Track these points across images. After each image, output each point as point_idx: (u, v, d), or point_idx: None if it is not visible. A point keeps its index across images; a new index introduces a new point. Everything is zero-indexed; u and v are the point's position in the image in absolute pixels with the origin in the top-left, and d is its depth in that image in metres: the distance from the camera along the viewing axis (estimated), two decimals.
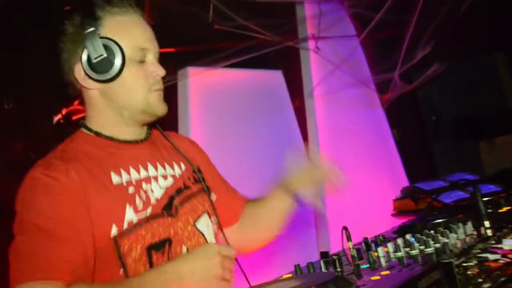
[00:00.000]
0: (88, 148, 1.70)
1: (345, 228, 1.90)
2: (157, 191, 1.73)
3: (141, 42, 1.72)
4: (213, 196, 1.97)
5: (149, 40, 1.75)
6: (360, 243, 2.03)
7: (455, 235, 1.66)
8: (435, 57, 4.27)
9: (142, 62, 1.72)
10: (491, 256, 1.48)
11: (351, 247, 1.85)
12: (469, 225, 1.73)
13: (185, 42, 3.44)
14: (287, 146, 4.17)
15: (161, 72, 1.75)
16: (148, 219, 1.66)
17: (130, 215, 1.63)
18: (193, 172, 1.90)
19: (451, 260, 1.42)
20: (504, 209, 2.05)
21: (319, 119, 4.17)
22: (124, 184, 1.67)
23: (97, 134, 1.73)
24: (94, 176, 1.63)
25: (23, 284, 1.46)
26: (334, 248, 3.50)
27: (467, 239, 1.60)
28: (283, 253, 3.48)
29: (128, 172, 1.70)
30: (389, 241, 1.85)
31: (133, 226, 1.62)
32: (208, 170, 2.03)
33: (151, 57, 1.75)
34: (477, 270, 1.44)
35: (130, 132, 1.77)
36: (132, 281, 1.55)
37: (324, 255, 1.91)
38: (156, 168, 1.78)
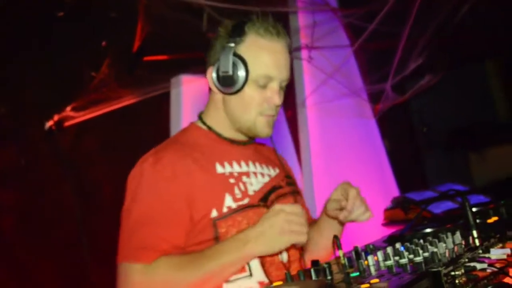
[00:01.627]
0: (198, 140, 1.90)
1: (335, 236, 1.91)
2: (255, 184, 1.89)
3: (269, 71, 1.82)
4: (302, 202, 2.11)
5: (278, 69, 1.84)
6: (350, 252, 2.03)
7: (444, 245, 1.67)
8: (428, 68, 4.30)
9: (264, 87, 1.83)
10: (479, 265, 1.49)
11: (341, 255, 1.86)
12: (458, 234, 1.74)
13: (178, 49, 3.46)
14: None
15: (278, 101, 1.85)
16: (245, 207, 1.81)
17: (229, 202, 1.79)
18: (285, 177, 2.04)
19: (440, 269, 1.43)
20: (492, 219, 2.06)
21: (312, 128, 4.19)
22: (227, 174, 1.85)
23: (210, 128, 1.92)
24: (200, 165, 1.81)
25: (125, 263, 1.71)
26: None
27: (456, 248, 1.61)
28: None
29: (231, 165, 1.88)
30: (379, 250, 1.86)
31: (231, 212, 1.78)
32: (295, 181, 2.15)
33: (275, 84, 1.84)
34: (464, 279, 1.45)
35: (237, 135, 1.94)
36: (205, 252, 1.72)
37: (314, 263, 1.91)
38: (255, 166, 1.95)
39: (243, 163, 1.91)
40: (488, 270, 1.49)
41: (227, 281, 1.77)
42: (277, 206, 1.74)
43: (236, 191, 1.83)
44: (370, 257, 1.70)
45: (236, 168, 1.88)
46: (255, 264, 1.80)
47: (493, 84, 7.01)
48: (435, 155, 6.45)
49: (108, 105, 3.30)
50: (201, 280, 1.70)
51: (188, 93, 3.39)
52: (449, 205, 2.81)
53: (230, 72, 1.79)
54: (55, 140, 3.20)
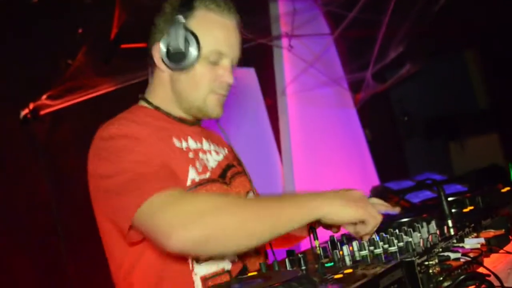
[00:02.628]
0: (146, 118, 1.77)
1: (311, 227, 1.90)
2: (211, 162, 1.82)
3: (221, 46, 1.75)
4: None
5: (230, 46, 1.78)
6: (327, 242, 2.03)
7: (419, 234, 1.66)
8: (408, 56, 4.31)
9: (215, 63, 1.76)
10: (452, 255, 1.48)
11: (317, 245, 1.85)
12: (433, 224, 1.74)
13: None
14: (259, 144, 4.17)
15: (230, 79, 1.79)
16: (208, 181, 1.74)
17: (192, 175, 1.71)
18: (235, 157, 2.00)
19: (413, 259, 1.42)
20: (468, 208, 2.07)
21: (292, 117, 4.18)
22: (184, 149, 1.76)
23: (157, 108, 1.81)
24: (159, 137, 1.71)
25: (151, 197, 1.51)
26: (304, 246, 3.50)
27: (430, 238, 1.61)
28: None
29: (187, 141, 1.79)
30: (354, 239, 1.85)
31: (195, 185, 1.70)
32: None
33: (226, 62, 1.78)
34: (438, 269, 1.44)
35: (186, 115, 1.84)
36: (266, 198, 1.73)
37: (290, 253, 1.90)
38: (209, 144, 1.88)
39: (196, 140, 1.84)
40: (462, 260, 1.49)
41: (198, 261, 1.68)
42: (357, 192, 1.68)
43: (197, 165, 1.76)
44: (345, 247, 1.69)
45: (191, 144, 1.80)
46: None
47: (472, 73, 7.06)
48: (416, 144, 6.49)
49: (84, 94, 3.25)
50: (262, 222, 1.58)
51: None
52: (427, 194, 2.82)
53: (182, 47, 1.71)
54: (31, 129, 3.15)
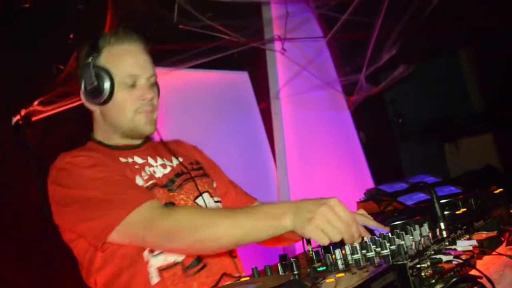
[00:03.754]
0: (96, 151, 1.95)
1: None
2: (158, 173, 1.99)
3: (131, 69, 1.94)
4: (214, 184, 2.18)
5: (140, 67, 1.96)
6: (319, 246, 2.02)
7: (411, 237, 1.66)
8: (402, 58, 4.30)
9: (133, 86, 1.94)
10: (444, 257, 1.48)
11: (310, 249, 1.84)
12: (425, 227, 1.73)
13: (149, 42, 3.40)
14: (253, 147, 4.16)
15: (149, 95, 1.96)
16: (154, 186, 1.91)
17: (139, 182, 1.90)
18: (189, 163, 2.13)
19: (405, 262, 1.42)
20: (461, 210, 2.06)
21: (285, 120, 4.17)
22: (130, 162, 1.95)
23: (100, 143, 2.00)
24: (107, 164, 1.89)
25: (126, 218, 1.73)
26: (298, 250, 3.49)
27: (423, 240, 1.60)
28: (248, 256, 3.46)
29: (132, 158, 1.98)
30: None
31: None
32: (213, 170, 2.25)
33: (143, 81, 1.96)
34: (430, 272, 1.44)
35: (127, 141, 2.02)
36: (236, 210, 1.84)
37: (282, 258, 1.89)
38: (155, 160, 2.03)
39: (142, 157, 2.00)
40: (454, 262, 1.48)
41: (153, 255, 1.85)
42: (332, 200, 1.67)
43: (143, 174, 1.93)
44: (337, 251, 1.68)
45: (137, 160, 1.98)
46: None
47: (467, 74, 7.06)
48: (410, 146, 6.49)
49: (76, 99, 3.23)
50: (231, 233, 1.70)
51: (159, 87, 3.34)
52: (421, 196, 2.80)
53: (96, 83, 1.89)
54: (23, 135, 3.13)
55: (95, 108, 1.98)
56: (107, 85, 1.90)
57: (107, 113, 1.96)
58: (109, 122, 1.98)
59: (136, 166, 1.95)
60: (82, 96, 1.98)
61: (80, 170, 1.84)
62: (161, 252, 1.86)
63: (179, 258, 1.88)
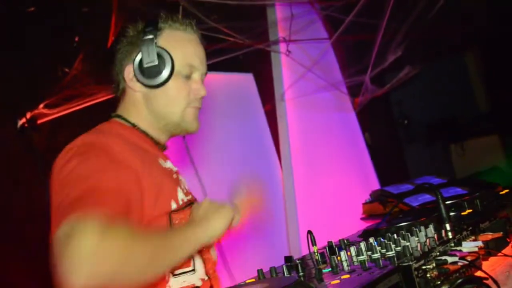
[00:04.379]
0: (124, 133, 1.75)
1: (309, 232, 1.90)
2: (184, 183, 1.87)
3: (192, 59, 1.81)
4: None
5: (200, 60, 1.83)
6: (325, 247, 2.02)
7: (416, 238, 1.65)
8: (407, 59, 4.29)
9: (188, 78, 1.81)
10: (450, 259, 1.47)
11: (315, 251, 1.84)
12: (431, 228, 1.73)
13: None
14: (258, 149, 4.16)
15: (204, 92, 1.84)
16: (191, 202, 1.79)
17: (181, 196, 1.75)
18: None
19: (410, 263, 1.41)
20: (467, 211, 2.05)
21: (290, 122, 4.17)
22: (168, 169, 1.80)
23: (134, 125, 1.80)
24: (142, 156, 1.67)
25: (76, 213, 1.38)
26: (304, 251, 3.49)
27: (428, 242, 1.59)
28: (254, 257, 3.46)
29: (166, 162, 1.82)
30: (352, 244, 1.84)
31: (184, 205, 1.74)
32: None
33: (198, 76, 1.84)
34: (436, 273, 1.43)
35: (160, 137, 1.85)
36: (167, 232, 1.60)
37: (287, 259, 1.89)
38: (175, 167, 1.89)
39: (170, 163, 1.87)
40: (460, 264, 1.48)
41: (173, 274, 1.69)
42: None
43: (182, 186, 1.81)
44: (343, 253, 1.68)
45: (170, 165, 1.84)
46: (199, 262, 1.76)
47: (473, 75, 7.04)
48: (416, 147, 6.47)
49: (82, 102, 3.24)
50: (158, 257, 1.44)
51: None
52: (427, 197, 2.80)
53: (156, 62, 1.73)
54: (28, 138, 3.14)
55: (139, 89, 1.79)
56: (167, 68, 1.74)
57: (155, 99, 1.79)
58: (153, 109, 1.80)
59: (174, 175, 1.81)
60: (127, 73, 1.78)
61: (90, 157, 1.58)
62: (181, 273, 1.72)
63: (198, 283, 1.76)
